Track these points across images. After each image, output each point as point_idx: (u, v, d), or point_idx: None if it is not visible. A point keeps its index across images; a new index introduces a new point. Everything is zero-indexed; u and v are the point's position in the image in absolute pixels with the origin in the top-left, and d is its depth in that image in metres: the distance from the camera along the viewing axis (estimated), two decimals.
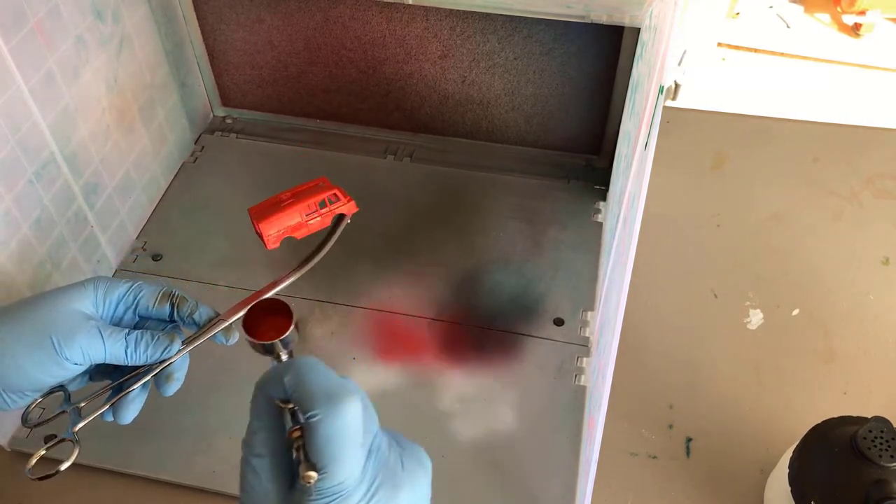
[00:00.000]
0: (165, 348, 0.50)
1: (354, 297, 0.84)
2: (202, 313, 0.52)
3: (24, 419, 0.51)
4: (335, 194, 0.67)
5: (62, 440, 0.49)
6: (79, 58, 0.75)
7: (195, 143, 1.02)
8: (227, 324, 0.53)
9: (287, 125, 1.05)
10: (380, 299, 0.84)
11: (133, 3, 0.83)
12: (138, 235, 0.90)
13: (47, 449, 0.48)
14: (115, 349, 0.48)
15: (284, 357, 0.50)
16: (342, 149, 1.01)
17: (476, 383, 0.77)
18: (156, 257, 0.88)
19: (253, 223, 0.71)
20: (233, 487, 0.70)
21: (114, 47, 0.81)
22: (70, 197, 0.77)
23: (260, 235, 0.71)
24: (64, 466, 0.48)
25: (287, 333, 0.50)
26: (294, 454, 0.38)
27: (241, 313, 0.52)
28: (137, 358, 0.49)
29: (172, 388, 0.51)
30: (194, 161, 1.00)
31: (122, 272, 0.86)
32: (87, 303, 0.49)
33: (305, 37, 0.94)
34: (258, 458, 0.39)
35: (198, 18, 0.95)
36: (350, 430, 0.37)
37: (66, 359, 0.47)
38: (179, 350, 0.51)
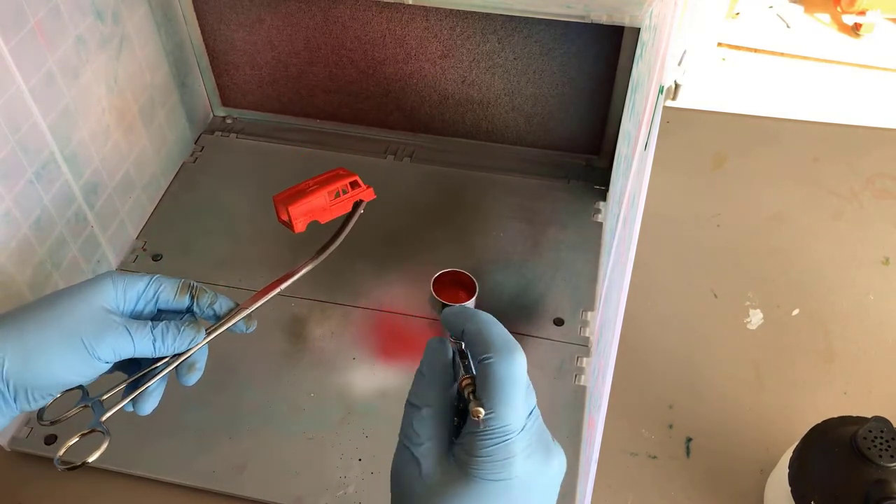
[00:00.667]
0: (192, 338, 0.50)
1: (354, 297, 0.84)
2: (222, 304, 0.53)
3: (40, 416, 0.51)
4: (356, 181, 0.69)
5: (93, 430, 0.50)
6: (79, 58, 0.75)
7: (195, 143, 1.02)
8: (247, 312, 0.54)
9: (287, 125, 1.05)
10: (380, 299, 0.84)
11: (133, 3, 0.83)
12: (138, 235, 0.90)
13: (81, 436, 0.50)
14: (144, 343, 0.48)
15: None
16: (342, 149, 1.01)
17: None
18: (156, 257, 0.88)
19: (277, 210, 0.72)
20: (233, 487, 0.70)
21: (114, 47, 0.81)
22: (70, 197, 0.77)
23: (287, 222, 0.71)
24: (93, 457, 0.49)
25: (468, 302, 0.51)
26: (464, 402, 0.41)
27: (260, 302, 0.54)
28: (166, 349, 0.49)
29: (194, 377, 0.52)
30: (194, 161, 1.00)
31: (122, 272, 0.86)
32: (108, 299, 0.49)
33: (305, 37, 0.94)
34: (427, 408, 0.41)
35: (198, 18, 0.95)
36: (519, 378, 0.40)
37: (98, 358, 0.47)
38: (204, 339, 0.51)
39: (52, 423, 0.51)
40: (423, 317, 0.82)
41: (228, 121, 1.06)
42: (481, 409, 0.39)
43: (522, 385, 0.40)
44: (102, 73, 0.80)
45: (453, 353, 0.43)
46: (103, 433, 0.50)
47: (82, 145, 0.78)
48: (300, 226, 0.69)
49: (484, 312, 0.43)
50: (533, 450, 0.39)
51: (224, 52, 0.99)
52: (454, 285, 0.56)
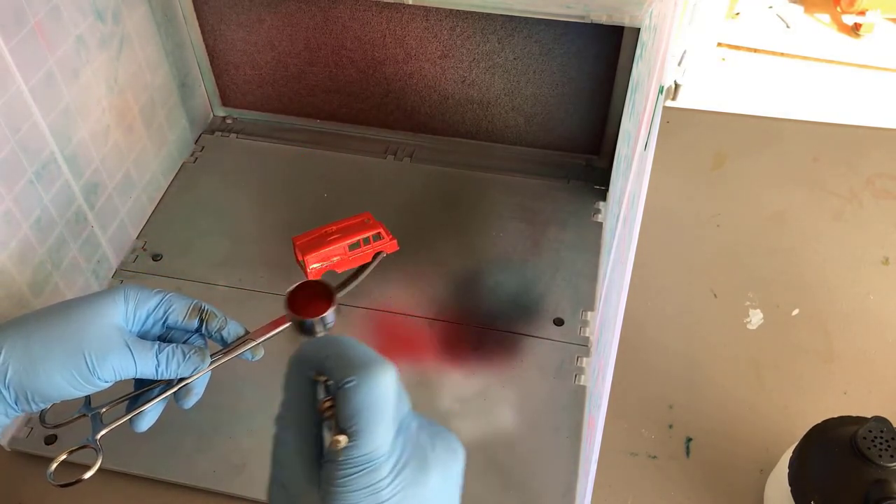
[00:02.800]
0: (196, 367, 0.51)
1: (354, 297, 0.84)
2: (230, 331, 0.53)
3: (42, 419, 0.51)
4: (379, 233, 0.67)
5: (84, 447, 0.49)
6: (79, 58, 0.75)
7: (195, 143, 1.02)
8: (255, 343, 0.54)
9: (287, 125, 1.05)
10: (380, 299, 0.84)
11: (133, 3, 0.83)
12: (138, 235, 0.90)
13: (69, 453, 0.49)
14: (147, 367, 0.49)
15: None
16: (342, 149, 1.01)
17: (476, 383, 0.77)
18: (156, 257, 0.88)
19: (294, 251, 0.71)
20: (233, 487, 0.70)
21: (114, 47, 0.81)
22: (70, 197, 0.77)
23: (302, 266, 0.70)
24: (88, 475, 0.48)
25: (327, 313, 0.50)
26: (325, 425, 0.38)
27: (271, 335, 0.54)
28: (169, 374, 0.50)
29: (191, 401, 0.52)
30: (194, 161, 1.00)
31: (122, 272, 0.86)
32: (118, 315, 0.49)
33: (305, 37, 0.94)
34: (288, 431, 0.39)
35: (198, 18, 0.95)
36: (384, 400, 0.37)
37: (99, 377, 0.47)
38: (207, 367, 0.51)
39: (55, 426, 0.51)
40: (424, 317, 0.82)
41: (228, 121, 1.06)
42: (340, 439, 0.36)
43: (389, 406, 0.37)
44: (102, 73, 0.80)
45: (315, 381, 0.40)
46: (96, 450, 0.50)
47: (82, 145, 0.78)
48: (314, 274, 0.67)
49: (340, 336, 0.40)
50: (403, 469, 0.36)
51: (224, 52, 0.99)
52: (310, 297, 0.54)
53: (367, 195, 0.96)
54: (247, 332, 0.54)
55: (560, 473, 0.70)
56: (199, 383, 0.52)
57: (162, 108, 0.93)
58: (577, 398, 0.75)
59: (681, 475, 0.72)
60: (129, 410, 0.51)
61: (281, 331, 0.54)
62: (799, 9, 1.62)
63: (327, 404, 0.38)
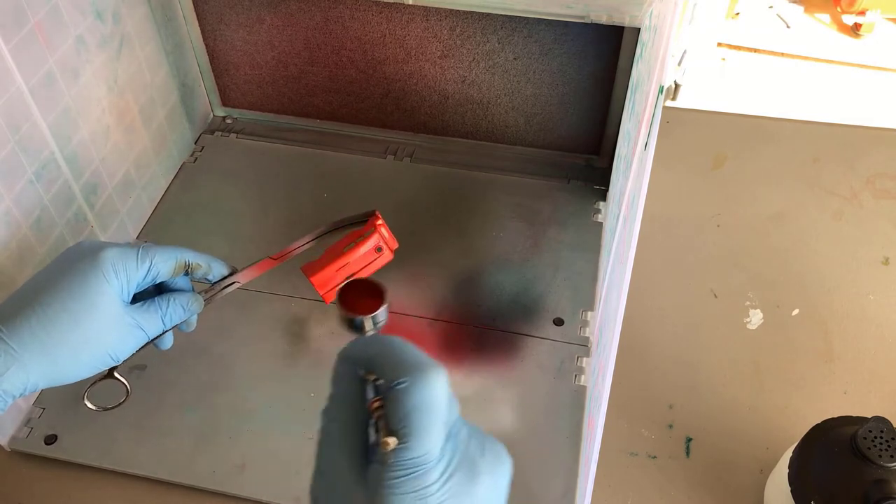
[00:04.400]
0: (195, 312, 0.55)
1: None
2: (215, 273, 0.56)
3: None
4: (379, 247, 0.65)
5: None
6: (79, 58, 0.75)
7: (195, 143, 1.02)
8: (240, 284, 0.57)
9: (287, 125, 1.05)
10: None
11: (133, 4, 0.83)
12: (138, 235, 0.90)
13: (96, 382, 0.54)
14: (155, 331, 0.53)
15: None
16: (342, 149, 1.01)
17: (476, 383, 0.77)
18: None
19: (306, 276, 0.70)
20: (233, 487, 0.70)
21: (114, 47, 0.81)
22: (70, 197, 0.77)
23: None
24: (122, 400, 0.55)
25: (378, 311, 0.50)
26: (373, 424, 0.38)
27: (254, 277, 0.57)
28: (172, 324, 0.54)
29: (192, 328, 0.57)
30: (194, 161, 1.00)
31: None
32: (116, 299, 0.50)
33: (305, 37, 0.94)
34: (336, 426, 0.38)
35: (198, 18, 0.95)
36: (436, 403, 0.36)
37: (117, 360, 0.51)
38: (204, 305, 0.56)
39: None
40: (424, 317, 0.82)
41: (228, 121, 1.06)
42: (390, 441, 0.35)
43: (441, 410, 0.36)
44: (102, 73, 0.80)
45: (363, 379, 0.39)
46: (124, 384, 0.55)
47: (82, 145, 0.78)
48: (330, 297, 0.66)
49: (395, 336, 0.40)
50: (453, 474, 0.36)
51: (224, 52, 0.99)
52: (362, 295, 0.54)
53: (367, 195, 0.96)
54: (232, 270, 0.57)
55: (560, 473, 0.70)
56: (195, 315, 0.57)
57: (162, 108, 0.93)
58: (577, 398, 0.75)
59: (681, 475, 0.72)
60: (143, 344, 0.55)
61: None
62: (799, 9, 1.62)
63: (376, 404, 0.37)
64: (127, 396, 0.56)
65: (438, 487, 0.35)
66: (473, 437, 0.38)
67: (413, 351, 0.38)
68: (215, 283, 0.56)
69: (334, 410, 0.39)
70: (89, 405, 0.55)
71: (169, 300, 0.53)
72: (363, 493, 0.36)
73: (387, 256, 0.61)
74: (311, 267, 0.61)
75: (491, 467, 0.37)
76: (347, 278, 0.60)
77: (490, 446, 0.38)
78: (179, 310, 0.54)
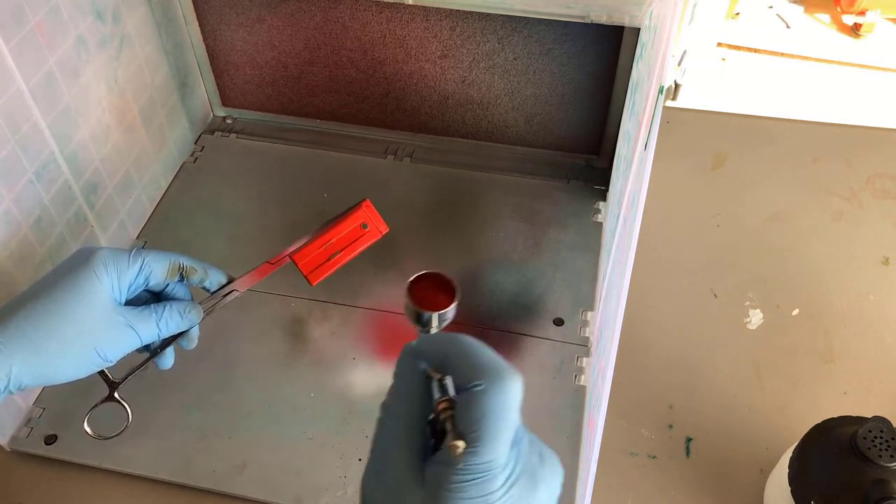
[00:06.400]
0: (193, 322, 0.54)
1: (354, 297, 0.84)
2: (213, 281, 0.55)
3: None
4: (364, 223, 0.64)
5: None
6: (79, 58, 0.75)
7: (195, 143, 1.02)
8: (240, 293, 0.56)
9: (287, 125, 1.05)
10: (380, 299, 0.84)
11: (133, 4, 0.83)
12: (138, 235, 0.90)
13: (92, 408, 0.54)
14: (150, 336, 0.52)
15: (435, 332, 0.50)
16: (342, 149, 1.01)
17: None
18: None
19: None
20: (233, 487, 0.70)
21: (114, 47, 0.81)
22: (70, 197, 0.77)
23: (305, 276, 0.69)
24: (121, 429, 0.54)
25: (448, 308, 0.49)
26: (430, 423, 0.37)
27: (253, 283, 0.56)
28: (169, 333, 0.53)
29: (193, 345, 0.56)
30: (194, 161, 1.00)
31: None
32: (107, 298, 0.49)
33: (305, 37, 0.94)
34: (396, 422, 0.38)
35: (198, 18, 0.95)
36: (510, 410, 0.36)
37: (108, 361, 0.50)
38: (203, 317, 0.55)
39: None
40: None
41: (228, 121, 1.06)
42: (459, 444, 0.34)
43: (512, 417, 0.36)
44: (102, 73, 0.80)
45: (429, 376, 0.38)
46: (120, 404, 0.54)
47: (82, 145, 0.78)
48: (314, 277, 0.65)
49: (469, 337, 0.38)
50: (515, 482, 0.35)
51: (224, 52, 0.99)
52: (432, 290, 0.53)
53: (366, 195, 0.95)
54: (230, 279, 0.56)
55: None
56: (195, 328, 0.56)
57: (162, 108, 0.93)
58: (577, 398, 0.75)
59: (681, 475, 0.72)
60: (142, 361, 0.55)
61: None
62: (799, 9, 1.62)
63: (444, 405, 0.36)
64: (128, 423, 0.55)
65: (501, 495, 0.35)
66: (534, 445, 0.38)
67: (489, 354, 0.37)
68: (214, 292, 0.55)
69: (396, 406, 0.38)
70: (89, 431, 0.54)
71: (165, 306, 0.52)
72: (420, 493, 0.35)
73: (373, 234, 0.59)
74: (296, 252, 0.60)
75: (549, 476, 0.37)
76: (331, 257, 0.58)
77: (547, 456, 0.38)
78: (176, 316, 0.53)
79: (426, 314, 0.50)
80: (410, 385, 0.38)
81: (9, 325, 0.47)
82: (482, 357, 0.37)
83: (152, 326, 0.51)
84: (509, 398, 0.36)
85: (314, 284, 0.58)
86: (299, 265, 0.58)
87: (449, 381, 0.37)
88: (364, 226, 0.58)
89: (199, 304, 0.54)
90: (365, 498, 0.38)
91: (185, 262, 0.54)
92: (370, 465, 0.38)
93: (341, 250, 0.58)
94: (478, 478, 0.34)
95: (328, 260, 0.58)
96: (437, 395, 0.37)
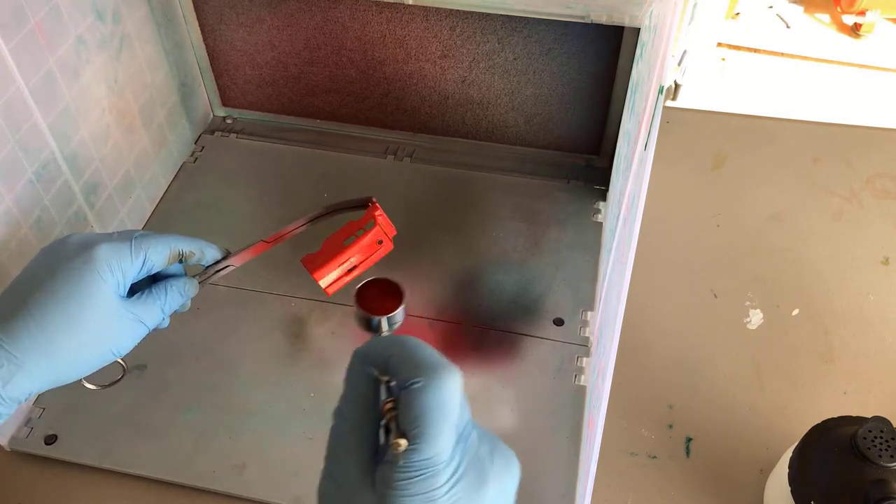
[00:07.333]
0: (191, 296, 0.56)
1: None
2: (208, 258, 0.56)
3: None
4: (380, 240, 0.64)
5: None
6: (79, 58, 0.75)
7: (195, 143, 1.02)
8: (234, 267, 0.57)
9: (287, 125, 1.05)
10: None
11: (133, 4, 0.83)
12: None
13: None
14: (155, 321, 0.53)
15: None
16: (342, 149, 1.01)
17: (476, 383, 0.77)
18: None
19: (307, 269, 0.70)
20: (233, 487, 0.70)
21: (114, 47, 0.81)
22: (70, 197, 0.77)
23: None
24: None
25: (395, 312, 0.50)
26: (384, 426, 0.38)
27: (248, 259, 0.57)
28: (170, 311, 0.54)
29: (186, 308, 0.57)
30: (194, 161, 1.00)
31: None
32: (113, 296, 0.49)
33: (305, 37, 0.94)
34: (347, 426, 0.38)
35: (198, 18, 0.95)
36: (449, 405, 0.36)
37: (119, 356, 0.51)
38: (199, 289, 0.56)
39: None
40: (424, 317, 0.82)
41: (228, 121, 1.06)
42: (401, 442, 0.35)
43: (453, 412, 0.36)
44: (102, 73, 0.80)
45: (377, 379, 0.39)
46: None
47: (82, 145, 0.78)
48: (332, 290, 0.66)
49: (407, 336, 0.39)
50: (461, 478, 0.36)
51: (224, 52, 0.99)
52: (379, 295, 0.54)
53: (367, 195, 0.95)
54: (226, 253, 0.57)
55: (560, 473, 0.70)
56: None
57: (162, 108, 0.93)
58: (577, 398, 0.75)
59: (681, 475, 0.72)
60: None
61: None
62: (799, 9, 1.62)
63: (389, 405, 0.37)
64: (124, 374, 0.55)
65: (446, 490, 0.35)
66: (484, 441, 0.38)
67: (429, 351, 0.38)
68: (209, 266, 0.57)
69: (346, 411, 0.38)
70: (87, 385, 0.54)
71: (166, 288, 0.53)
72: (371, 494, 0.36)
73: (387, 247, 0.60)
74: (312, 262, 0.61)
75: (499, 473, 0.37)
76: (349, 271, 0.59)
77: (500, 451, 0.38)
78: (177, 296, 0.54)
79: (375, 319, 0.51)
80: (359, 389, 0.39)
81: (23, 338, 0.46)
82: (421, 355, 0.37)
83: (157, 312, 0.52)
84: (447, 393, 0.36)
85: (331, 295, 0.59)
86: (320, 282, 0.59)
87: (395, 383, 0.38)
88: (380, 241, 0.60)
89: (194, 277, 0.56)
90: (321, 500, 0.38)
91: (184, 246, 0.54)
92: (325, 471, 0.38)
93: (359, 264, 0.60)
94: (421, 474, 0.35)
95: (346, 273, 0.59)
96: (383, 396, 0.38)
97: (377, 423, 0.38)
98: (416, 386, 0.36)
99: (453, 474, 0.35)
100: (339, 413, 0.39)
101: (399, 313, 0.51)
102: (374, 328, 0.52)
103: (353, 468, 0.37)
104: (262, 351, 0.80)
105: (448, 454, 0.35)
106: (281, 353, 0.80)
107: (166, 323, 0.56)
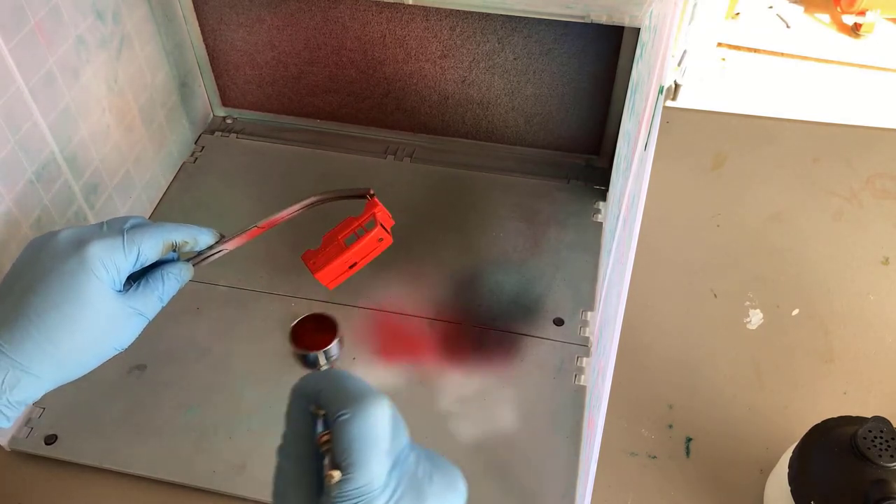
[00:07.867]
0: (187, 278, 0.55)
1: (354, 297, 0.84)
2: (201, 243, 0.56)
3: None
4: (381, 237, 0.64)
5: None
6: (79, 58, 0.75)
7: (195, 143, 1.02)
8: (227, 251, 0.57)
9: (287, 125, 1.05)
10: (380, 299, 0.84)
11: (133, 3, 0.83)
12: None
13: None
14: (155, 311, 0.52)
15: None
16: (342, 149, 1.01)
17: (476, 383, 0.77)
18: None
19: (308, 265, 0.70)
20: (233, 487, 0.70)
21: (114, 47, 0.81)
22: (70, 197, 0.77)
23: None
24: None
25: (330, 346, 0.51)
26: (324, 457, 0.38)
27: (243, 242, 0.58)
28: (168, 298, 0.54)
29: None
30: (194, 161, 1.00)
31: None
32: (108, 289, 0.49)
33: (305, 37, 0.94)
34: (289, 462, 0.39)
35: (198, 18, 0.95)
36: (377, 433, 0.37)
37: (125, 347, 0.51)
38: (193, 270, 0.56)
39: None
40: (424, 317, 0.82)
41: (228, 121, 1.06)
42: (334, 474, 0.36)
43: (383, 439, 0.37)
44: (102, 73, 0.80)
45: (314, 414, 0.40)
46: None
47: (82, 145, 0.78)
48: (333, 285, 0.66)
49: (338, 369, 0.41)
50: (396, 501, 0.36)
51: (224, 52, 0.99)
52: (313, 331, 0.55)
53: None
54: (220, 237, 0.57)
55: (560, 473, 0.70)
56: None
57: (162, 108, 0.93)
58: (577, 398, 0.75)
59: (681, 475, 0.72)
60: None
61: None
62: (799, 9, 1.62)
63: (325, 438, 0.38)
64: None
65: None
66: (422, 462, 0.38)
67: (356, 382, 0.39)
68: (202, 251, 0.56)
69: (287, 447, 0.40)
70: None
71: (162, 277, 0.53)
72: None
73: (387, 242, 0.61)
74: (313, 259, 0.61)
75: (441, 492, 0.38)
76: (351, 267, 0.60)
77: (442, 472, 0.39)
78: (174, 282, 0.53)
79: (312, 354, 0.52)
80: (298, 424, 0.40)
81: (27, 345, 0.46)
82: (348, 387, 0.38)
83: (156, 302, 0.52)
84: (374, 421, 0.37)
85: (332, 289, 0.60)
86: (323, 282, 0.59)
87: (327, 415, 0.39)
88: (381, 239, 0.60)
89: (188, 260, 0.55)
90: None
91: (177, 236, 0.54)
92: None
93: (360, 260, 0.61)
94: (356, 503, 0.36)
95: (347, 270, 0.61)
96: (319, 430, 0.39)
97: (318, 457, 0.39)
98: (343, 417, 0.37)
99: (389, 499, 0.36)
100: (281, 450, 0.40)
101: (334, 347, 0.52)
102: (311, 363, 0.53)
103: (296, 502, 0.38)
104: (262, 351, 0.79)
105: (382, 480, 0.36)
106: (281, 354, 0.79)
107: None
